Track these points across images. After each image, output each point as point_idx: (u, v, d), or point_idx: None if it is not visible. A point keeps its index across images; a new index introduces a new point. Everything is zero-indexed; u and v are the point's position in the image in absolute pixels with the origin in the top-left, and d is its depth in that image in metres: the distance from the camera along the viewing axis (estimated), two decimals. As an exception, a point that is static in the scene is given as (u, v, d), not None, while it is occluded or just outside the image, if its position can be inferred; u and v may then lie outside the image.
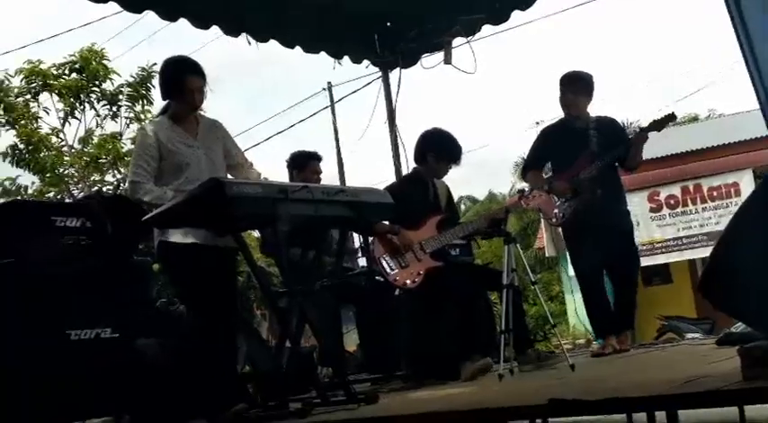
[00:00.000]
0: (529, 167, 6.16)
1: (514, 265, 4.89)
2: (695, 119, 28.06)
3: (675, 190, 16.20)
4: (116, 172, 13.73)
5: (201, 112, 4.93)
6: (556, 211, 5.89)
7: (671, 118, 5.81)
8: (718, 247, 3.05)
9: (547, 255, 19.39)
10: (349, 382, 4.46)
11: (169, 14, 6.50)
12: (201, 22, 6.69)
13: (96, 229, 4.84)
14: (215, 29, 6.94)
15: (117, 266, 4.89)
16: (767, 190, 3.34)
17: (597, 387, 3.43)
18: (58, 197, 12.98)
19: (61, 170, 13.69)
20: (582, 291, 5.99)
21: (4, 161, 13.52)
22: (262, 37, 7.27)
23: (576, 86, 5.84)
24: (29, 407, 4.46)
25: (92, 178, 13.69)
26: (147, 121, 12.31)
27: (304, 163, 6.22)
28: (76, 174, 13.70)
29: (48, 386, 4.43)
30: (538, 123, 17.54)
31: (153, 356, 4.68)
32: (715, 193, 15.85)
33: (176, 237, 4.43)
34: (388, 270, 5.42)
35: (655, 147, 14.89)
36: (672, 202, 16.25)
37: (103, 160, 13.70)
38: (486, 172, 48.57)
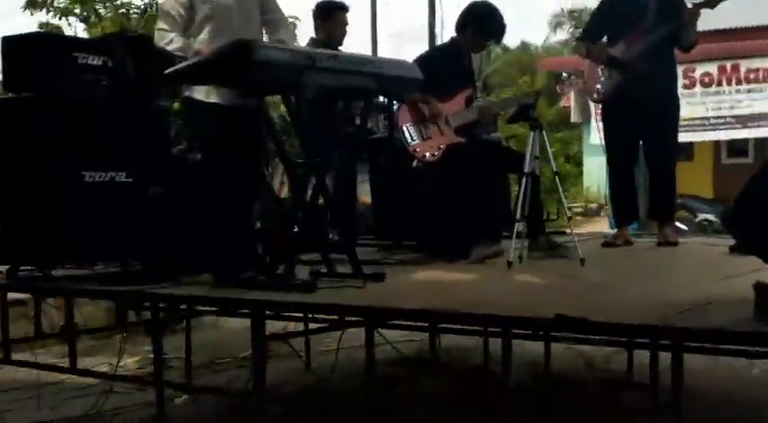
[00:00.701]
0: (585, 40, 5.96)
1: (537, 152, 4.81)
2: (745, -8, 26.95)
3: (712, 68, 15.78)
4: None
5: None
6: (599, 86, 5.76)
7: None
8: (750, 183, 2.95)
9: (572, 120, 19.12)
10: (356, 254, 4.41)
11: None
12: None
13: (118, 70, 4.74)
14: None
15: (137, 110, 4.81)
16: None
17: (601, 300, 3.44)
18: (84, 14, 12.68)
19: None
20: (610, 176, 5.89)
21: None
22: None
23: None
24: (36, 244, 4.52)
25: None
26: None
27: (330, 13, 6.09)
28: (103, -8, 13.29)
29: (58, 225, 4.47)
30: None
31: (166, 206, 4.67)
32: (752, 76, 15.49)
33: (200, 94, 4.36)
34: (408, 139, 5.34)
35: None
36: (706, 79, 15.88)
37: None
38: (520, 20, 47.14)
